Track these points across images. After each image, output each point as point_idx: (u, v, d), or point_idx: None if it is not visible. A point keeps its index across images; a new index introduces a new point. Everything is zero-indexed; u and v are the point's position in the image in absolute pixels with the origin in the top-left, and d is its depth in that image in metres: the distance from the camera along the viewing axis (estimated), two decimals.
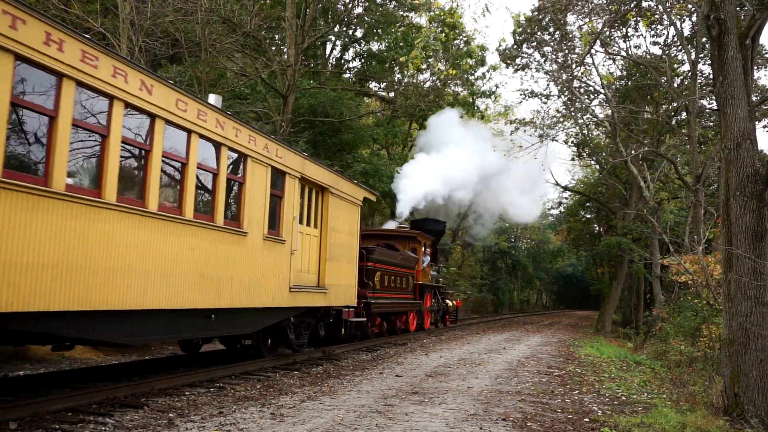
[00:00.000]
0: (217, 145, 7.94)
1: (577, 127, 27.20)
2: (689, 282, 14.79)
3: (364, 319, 13.37)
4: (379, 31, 25.03)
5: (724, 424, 6.69)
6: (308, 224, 10.69)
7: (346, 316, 12.14)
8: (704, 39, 16.03)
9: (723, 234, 7.74)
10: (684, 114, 21.23)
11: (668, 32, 20.15)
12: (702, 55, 18.43)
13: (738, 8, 8.11)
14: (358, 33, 26.29)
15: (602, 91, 21.26)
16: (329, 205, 11.18)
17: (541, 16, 19.10)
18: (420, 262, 18.48)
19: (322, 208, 11.14)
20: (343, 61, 27.90)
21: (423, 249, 18.96)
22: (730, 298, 7.26)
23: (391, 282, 15.48)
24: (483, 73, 29.84)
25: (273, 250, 9.14)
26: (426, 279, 19.31)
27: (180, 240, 7.06)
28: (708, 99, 19.79)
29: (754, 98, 9.09)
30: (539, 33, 20.12)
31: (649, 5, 16.74)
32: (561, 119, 22.89)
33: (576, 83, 20.61)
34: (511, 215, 32.85)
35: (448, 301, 22.85)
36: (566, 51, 19.07)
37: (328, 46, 26.61)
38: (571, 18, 18.45)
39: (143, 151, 6.75)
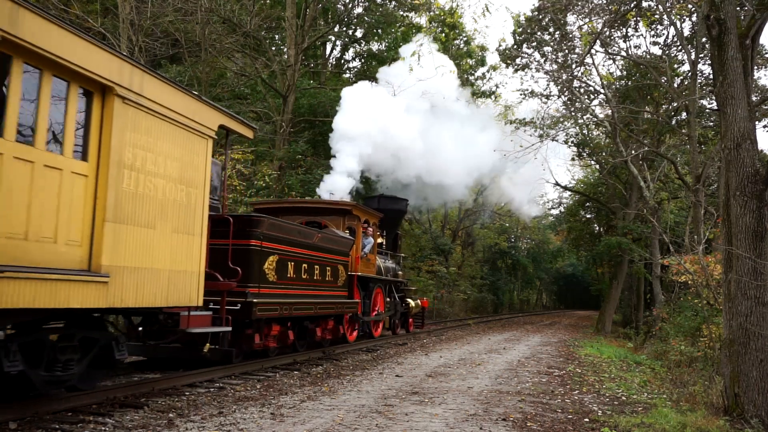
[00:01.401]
0: None
1: (577, 127, 27.23)
2: (689, 282, 14.80)
3: (228, 329, 8.06)
4: (379, 31, 25.04)
5: (724, 424, 6.69)
6: (54, 148, 5.57)
7: (185, 326, 7.18)
8: (704, 39, 16.03)
9: (723, 234, 7.74)
10: (684, 114, 21.24)
11: (668, 32, 20.18)
12: (702, 55, 18.43)
13: (738, 8, 8.11)
14: (358, 33, 26.30)
15: (602, 91, 21.26)
16: (119, 122, 6.03)
17: (541, 16, 19.10)
18: (358, 246, 13.63)
19: (102, 124, 6.01)
20: (343, 61, 27.91)
21: (365, 229, 14.32)
22: (730, 298, 7.26)
23: (302, 272, 10.61)
24: (483, 73, 29.90)
25: None
26: (369, 270, 14.46)
27: None
28: (708, 99, 19.80)
29: (754, 98, 9.10)
30: (539, 33, 20.13)
31: (649, 5, 16.75)
32: (561, 119, 22.92)
33: (576, 83, 20.61)
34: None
35: (409, 300, 17.91)
36: (566, 51, 19.06)
37: (328, 46, 26.61)
38: (571, 18, 18.45)
39: None
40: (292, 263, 10.41)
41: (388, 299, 16.02)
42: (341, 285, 12.46)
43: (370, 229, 14.56)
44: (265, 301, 9.35)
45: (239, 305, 8.83)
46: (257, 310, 9.08)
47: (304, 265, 10.84)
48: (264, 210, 13.04)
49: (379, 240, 15.99)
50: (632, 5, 14.46)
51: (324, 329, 12.01)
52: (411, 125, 17.41)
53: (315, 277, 11.25)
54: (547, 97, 22.22)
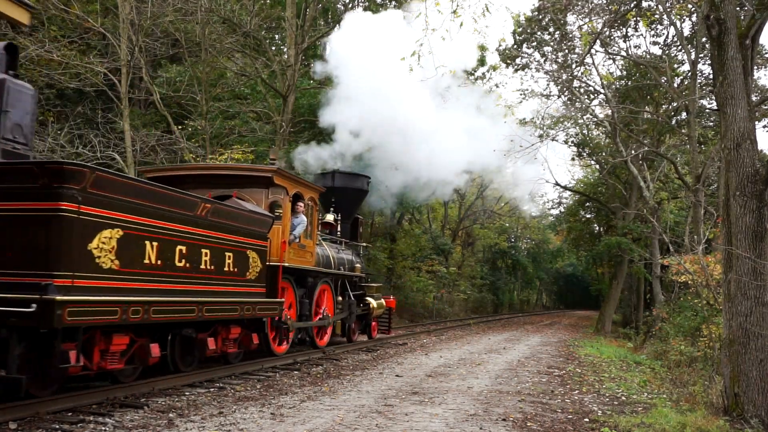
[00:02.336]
0: None
1: (577, 127, 27.24)
2: (689, 282, 14.80)
3: None
4: None
5: (724, 424, 6.69)
6: None
7: None
8: (704, 39, 16.04)
9: (723, 234, 7.74)
10: (684, 114, 21.25)
11: (668, 32, 20.21)
12: (702, 55, 18.45)
13: (738, 8, 8.11)
14: None
15: (602, 91, 21.27)
16: None
17: (541, 16, 19.12)
18: (285, 228, 10.29)
19: None
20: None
21: (296, 205, 10.79)
22: (730, 298, 7.26)
23: (175, 258, 7.31)
24: (483, 73, 29.86)
25: None
26: (304, 259, 11.08)
27: None
28: (708, 99, 19.82)
29: (754, 98, 9.10)
30: (539, 33, 20.14)
31: (649, 5, 16.76)
32: (561, 119, 22.93)
33: (576, 83, 20.63)
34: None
35: (369, 299, 14.50)
36: (566, 51, 19.07)
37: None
38: (571, 18, 18.47)
39: None
40: (155, 244, 6.96)
41: (339, 298, 13.02)
42: (253, 279, 9.08)
43: (301, 204, 10.90)
44: (88, 300, 6.07)
45: (34, 306, 5.61)
46: (67, 314, 5.75)
47: (181, 248, 7.43)
48: (158, 178, 9.72)
49: (330, 218, 13.60)
50: (632, 5, 14.47)
51: (225, 339, 8.77)
52: (414, 104, 15.44)
53: (202, 267, 7.86)
54: (547, 97, 22.25)
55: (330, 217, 13.67)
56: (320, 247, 12.23)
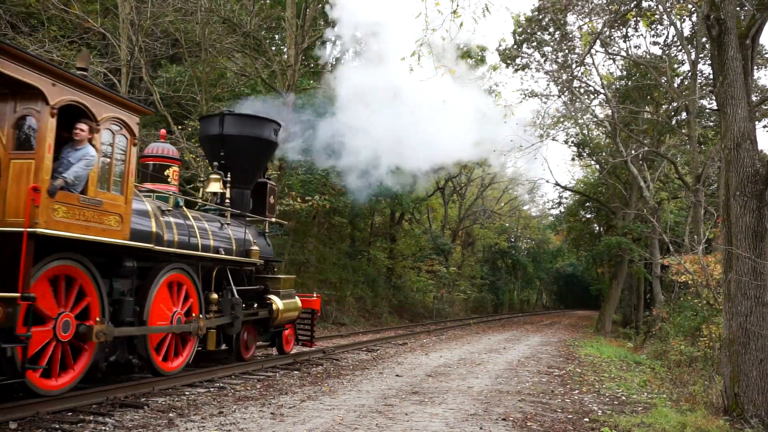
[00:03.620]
0: None
1: (577, 127, 27.25)
2: (689, 282, 14.81)
3: None
4: None
5: (724, 424, 6.69)
6: None
7: None
8: (704, 39, 16.04)
9: (723, 234, 7.75)
10: (684, 114, 21.25)
11: (668, 32, 20.20)
12: (702, 55, 18.45)
13: (738, 8, 8.11)
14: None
15: (602, 91, 21.27)
16: None
17: (541, 16, 19.12)
18: (42, 164, 5.63)
19: None
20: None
21: (75, 127, 6.21)
22: (730, 298, 7.27)
23: None
24: (483, 73, 29.88)
25: None
26: (99, 225, 6.29)
27: None
28: (708, 99, 19.82)
29: (754, 98, 9.10)
30: (539, 33, 20.14)
31: (649, 5, 16.76)
32: (561, 119, 22.94)
33: (576, 83, 20.63)
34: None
35: (272, 297, 10.12)
36: (566, 51, 19.07)
37: (329, 46, 26.60)
38: (571, 18, 18.48)
39: None
40: None
41: (215, 296, 8.84)
42: None
43: (84, 126, 6.29)
44: None
45: None
46: None
47: None
48: None
49: (216, 188, 9.71)
50: (632, 5, 14.46)
51: None
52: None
53: None
54: (547, 97, 22.25)
55: (215, 186, 9.73)
56: (173, 216, 8.12)
